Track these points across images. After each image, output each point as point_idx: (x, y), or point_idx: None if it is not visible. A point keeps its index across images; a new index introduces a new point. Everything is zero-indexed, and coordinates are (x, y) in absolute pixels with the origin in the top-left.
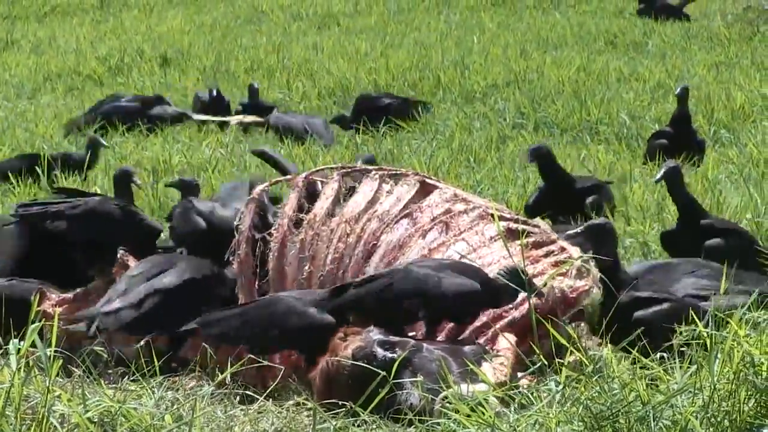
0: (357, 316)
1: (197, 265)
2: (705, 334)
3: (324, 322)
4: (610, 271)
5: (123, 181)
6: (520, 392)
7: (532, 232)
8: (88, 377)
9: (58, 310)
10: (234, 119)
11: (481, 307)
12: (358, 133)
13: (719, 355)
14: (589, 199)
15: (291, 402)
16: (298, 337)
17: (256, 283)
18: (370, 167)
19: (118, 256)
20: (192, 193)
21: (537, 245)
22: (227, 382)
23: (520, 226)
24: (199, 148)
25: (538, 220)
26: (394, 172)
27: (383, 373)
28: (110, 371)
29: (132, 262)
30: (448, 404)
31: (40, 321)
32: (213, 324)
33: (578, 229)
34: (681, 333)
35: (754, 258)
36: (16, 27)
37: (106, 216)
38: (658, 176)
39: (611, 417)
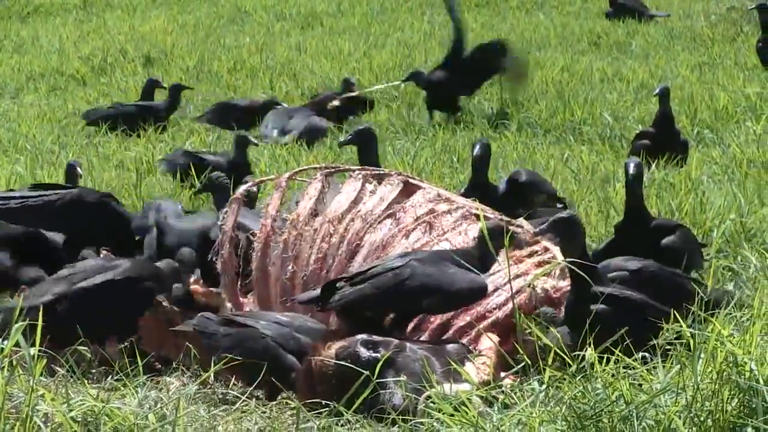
0: (358, 314)
1: (128, 268)
2: (688, 334)
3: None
4: (579, 264)
5: (71, 174)
6: (503, 392)
7: (515, 233)
8: (71, 377)
9: None
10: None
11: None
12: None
13: (702, 355)
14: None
15: (274, 401)
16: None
17: (239, 282)
18: (354, 167)
19: (102, 255)
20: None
21: (520, 246)
22: (210, 381)
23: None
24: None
25: (521, 220)
26: (377, 172)
27: (366, 372)
28: (94, 370)
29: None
30: (431, 404)
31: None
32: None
33: (544, 226)
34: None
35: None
36: None
37: (83, 209)
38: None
39: (594, 416)
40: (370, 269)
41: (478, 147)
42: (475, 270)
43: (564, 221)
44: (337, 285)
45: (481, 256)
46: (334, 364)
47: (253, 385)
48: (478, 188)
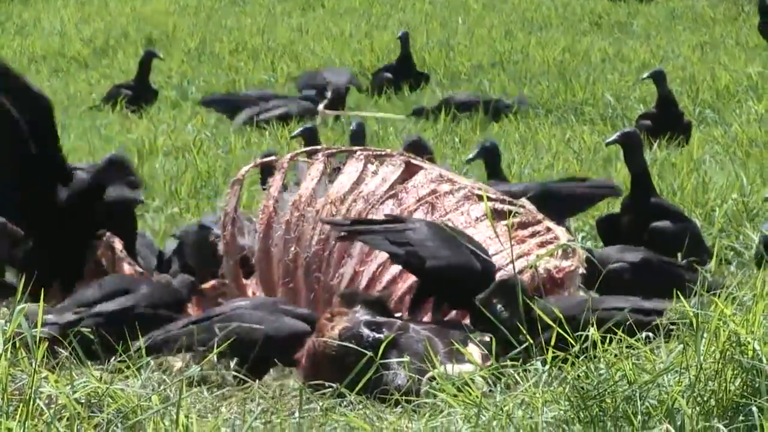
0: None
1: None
2: (691, 313)
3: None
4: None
5: None
6: (506, 372)
7: (518, 213)
8: (74, 358)
9: None
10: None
11: None
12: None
13: (705, 335)
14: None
15: (278, 383)
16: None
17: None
18: (355, 148)
19: (104, 238)
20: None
21: (523, 225)
22: (214, 363)
23: (506, 207)
24: (183, 129)
25: (524, 200)
26: (379, 152)
27: (370, 353)
28: (97, 352)
29: (118, 244)
30: (434, 384)
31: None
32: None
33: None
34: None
35: (699, 250)
36: (0, 9)
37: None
38: (611, 139)
39: (598, 397)
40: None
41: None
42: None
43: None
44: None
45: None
46: (337, 345)
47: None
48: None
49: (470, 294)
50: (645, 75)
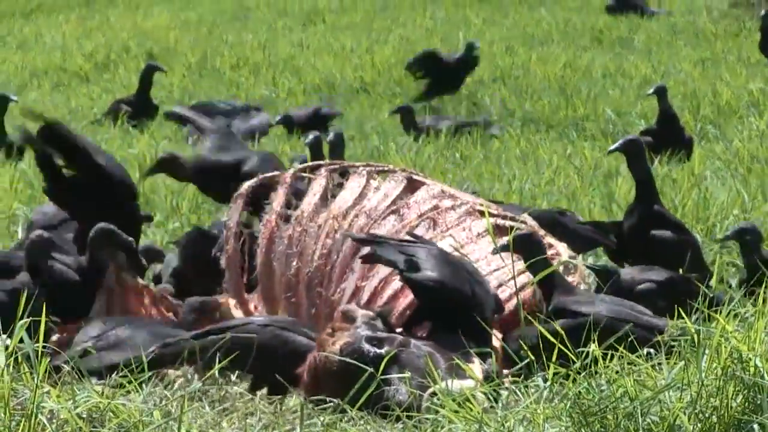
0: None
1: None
2: (693, 330)
3: None
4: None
5: None
6: (507, 388)
7: (519, 229)
8: (76, 373)
9: None
10: None
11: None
12: None
13: (707, 351)
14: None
15: (279, 398)
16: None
17: (245, 278)
18: (358, 164)
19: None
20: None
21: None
22: (215, 378)
23: (508, 223)
24: (185, 143)
25: (525, 216)
26: (381, 168)
27: (371, 369)
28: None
29: (121, 257)
30: (435, 400)
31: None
32: None
33: (505, 244)
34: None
35: (698, 264)
36: (1, 24)
37: None
38: (614, 147)
39: (599, 413)
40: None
41: None
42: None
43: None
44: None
45: None
46: (338, 361)
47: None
48: None
49: (461, 318)
50: (650, 90)
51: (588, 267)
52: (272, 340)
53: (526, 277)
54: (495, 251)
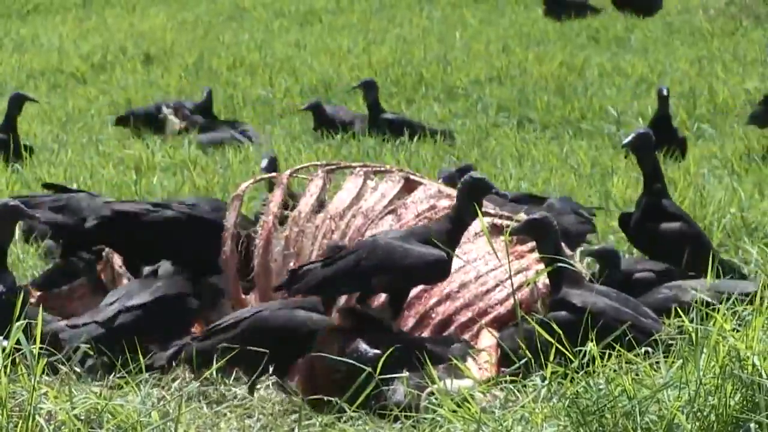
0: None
1: (168, 285)
2: (690, 329)
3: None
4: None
5: None
6: (505, 388)
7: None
8: (74, 374)
9: None
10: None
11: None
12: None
13: (705, 350)
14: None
15: (277, 398)
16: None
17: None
18: (355, 164)
19: (103, 254)
20: None
21: (522, 241)
22: (213, 378)
23: (505, 222)
24: (181, 146)
25: (522, 215)
26: (378, 168)
27: (368, 369)
28: (96, 368)
29: (117, 260)
30: (433, 400)
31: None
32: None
33: (520, 225)
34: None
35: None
36: None
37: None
38: (626, 141)
39: (597, 412)
40: (339, 252)
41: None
42: (442, 247)
43: (539, 222)
44: (305, 268)
45: (450, 231)
46: (336, 361)
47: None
48: None
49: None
50: (664, 91)
51: (588, 254)
52: (289, 322)
53: (523, 277)
54: (511, 233)
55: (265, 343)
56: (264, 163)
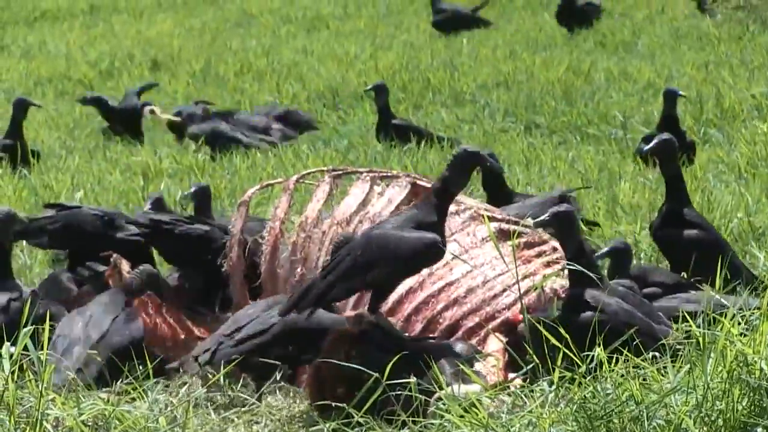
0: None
1: None
2: (698, 333)
3: None
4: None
5: None
6: (513, 393)
7: (523, 233)
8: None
9: None
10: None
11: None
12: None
13: (712, 354)
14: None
15: (284, 404)
16: None
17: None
18: (362, 169)
19: (112, 260)
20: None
21: (529, 246)
22: (221, 384)
23: (512, 227)
24: (188, 152)
25: (529, 221)
26: (385, 173)
27: (376, 374)
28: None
29: (125, 266)
30: (441, 405)
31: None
32: None
33: (545, 216)
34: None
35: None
36: (6, 32)
37: (82, 228)
38: (648, 147)
39: (605, 417)
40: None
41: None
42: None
43: (564, 215)
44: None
45: (438, 204)
46: (345, 366)
47: (264, 387)
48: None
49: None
50: (679, 92)
51: (598, 256)
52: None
53: (530, 281)
54: (535, 225)
55: (298, 346)
56: (147, 204)
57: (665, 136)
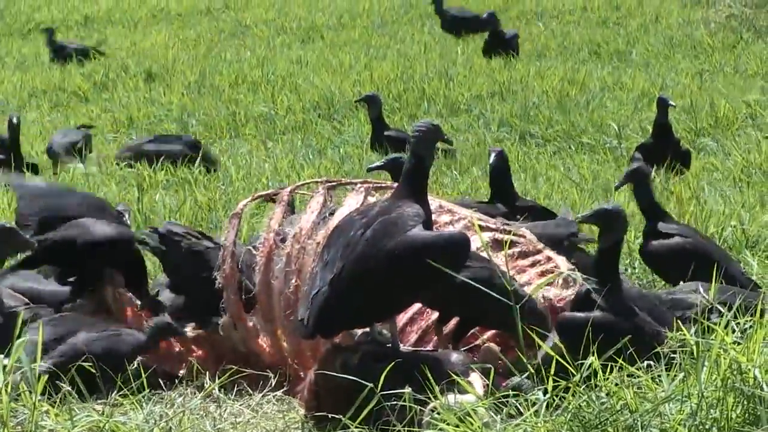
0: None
1: None
2: (692, 342)
3: None
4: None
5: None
6: (507, 402)
7: (517, 242)
8: (75, 392)
9: None
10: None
11: None
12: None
13: (706, 363)
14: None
15: (280, 414)
16: None
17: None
18: (356, 180)
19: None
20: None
21: (523, 255)
22: (216, 395)
23: (506, 236)
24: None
25: (524, 230)
26: (379, 184)
27: (371, 385)
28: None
29: (120, 280)
30: (436, 415)
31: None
32: None
33: (588, 214)
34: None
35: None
36: (0, 44)
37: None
38: (619, 182)
39: (599, 426)
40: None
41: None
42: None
43: (608, 213)
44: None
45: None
46: (340, 377)
47: (259, 398)
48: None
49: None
50: (671, 101)
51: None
52: None
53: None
54: (580, 221)
55: None
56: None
57: (635, 165)
